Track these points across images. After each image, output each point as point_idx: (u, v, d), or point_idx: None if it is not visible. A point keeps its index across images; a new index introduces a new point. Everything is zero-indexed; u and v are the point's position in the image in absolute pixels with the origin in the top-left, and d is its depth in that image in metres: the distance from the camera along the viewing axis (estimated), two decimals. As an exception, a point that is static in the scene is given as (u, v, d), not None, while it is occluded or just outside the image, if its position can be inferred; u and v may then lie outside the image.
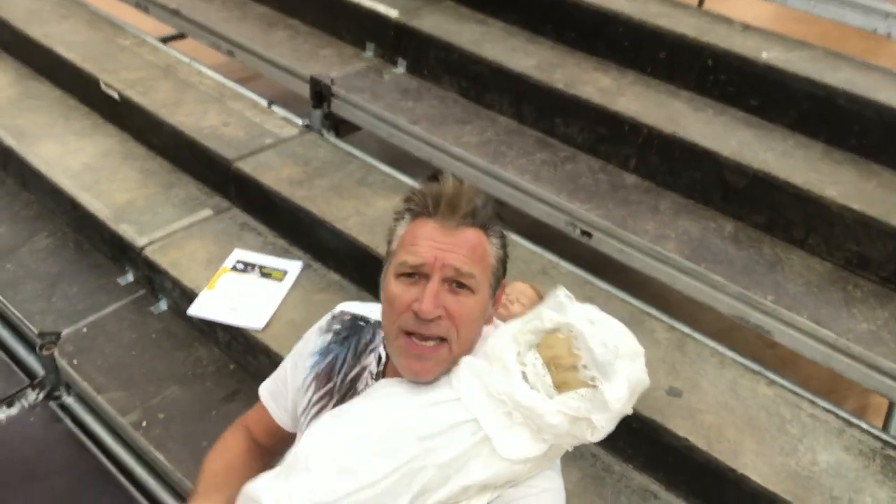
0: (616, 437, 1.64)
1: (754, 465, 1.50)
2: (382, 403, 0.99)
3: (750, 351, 1.83)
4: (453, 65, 2.44)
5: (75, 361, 1.96)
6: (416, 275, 0.94)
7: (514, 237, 2.08)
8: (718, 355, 1.78)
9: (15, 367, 2.09)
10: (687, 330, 1.84)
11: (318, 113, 2.47)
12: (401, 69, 2.56)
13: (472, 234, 0.96)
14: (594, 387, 0.89)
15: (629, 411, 0.92)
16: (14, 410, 1.99)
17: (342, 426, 0.99)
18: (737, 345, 1.82)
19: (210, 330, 1.99)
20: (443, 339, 0.95)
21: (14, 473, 1.84)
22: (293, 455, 1.00)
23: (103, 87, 2.60)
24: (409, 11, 2.62)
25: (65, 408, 2.02)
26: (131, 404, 1.86)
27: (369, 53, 2.66)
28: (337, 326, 1.16)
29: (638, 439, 1.62)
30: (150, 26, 3.11)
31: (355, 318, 1.16)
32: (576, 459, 1.68)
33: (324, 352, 1.13)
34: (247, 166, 2.25)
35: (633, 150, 2.14)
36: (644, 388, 0.94)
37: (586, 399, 0.89)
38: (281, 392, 1.18)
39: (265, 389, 1.22)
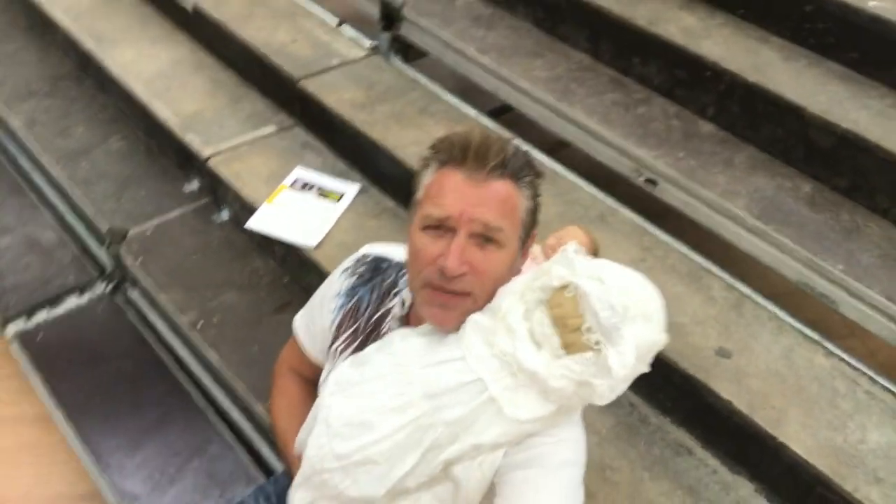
0: (656, 390, 1.64)
1: (797, 436, 1.45)
2: (397, 358, 0.99)
3: (813, 317, 1.75)
4: (530, -7, 2.34)
5: (140, 260, 2.05)
6: (441, 227, 0.92)
7: (573, 179, 2.05)
8: (777, 320, 1.70)
9: (86, 260, 2.20)
10: (747, 290, 1.76)
11: (386, 36, 2.42)
12: (476, -6, 2.47)
13: (501, 186, 0.92)
14: (599, 351, 0.86)
15: (645, 369, 0.90)
16: (84, 299, 2.12)
17: (358, 380, 1.01)
18: (800, 311, 1.74)
19: (267, 243, 2.04)
20: (467, 293, 0.94)
21: (82, 353, 1.99)
22: (316, 405, 1.04)
23: (178, -4, 2.62)
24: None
25: (129, 301, 2.13)
26: (189, 305, 1.94)
27: (445, -24, 2.57)
28: (361, 269, 1.17)
29: (679, 394, 1.59)
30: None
31: (378, 260, 1.17)
32: (612, 406, 1.66)
33: (349, 293, 1.15)
34: (311, 86, 2.24)
35: (713, 98, 2.02)
36: (660, 348, 0.91)
37: (590, 363, 0.86)
38: (310, 330, 1.21)
39: (299, 325, 1.25)
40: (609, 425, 1.60)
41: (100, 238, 2.18)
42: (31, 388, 1.93)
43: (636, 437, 1.60)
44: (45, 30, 2.82)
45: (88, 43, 2.55)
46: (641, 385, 1.61)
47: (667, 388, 1.61)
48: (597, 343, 0.86)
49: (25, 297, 2.06)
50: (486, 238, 0.92)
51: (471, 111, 2.21)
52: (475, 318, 0.95)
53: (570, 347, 0.88)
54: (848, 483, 1.38)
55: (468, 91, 2.32)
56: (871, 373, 1.61)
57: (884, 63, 1.97)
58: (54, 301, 2.07)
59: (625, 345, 0.86)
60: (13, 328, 2.00)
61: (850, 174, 1.83)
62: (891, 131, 1.80)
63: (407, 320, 1.10)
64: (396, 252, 1.17)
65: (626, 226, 1.91)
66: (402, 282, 1.13)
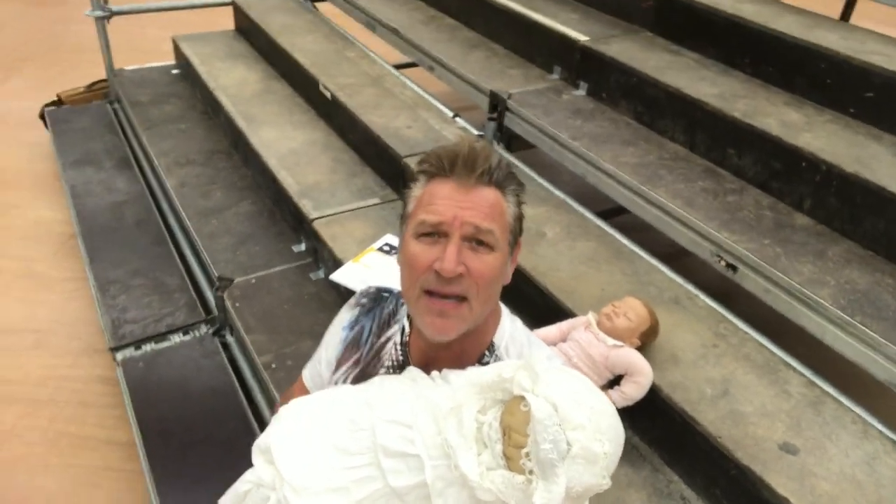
0: (710, 483, 1.49)
1: None
2: (367, 399, 1.00)
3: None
4: (632, 89, 2.41)
5: (237, 304, 2.25)
6: (435, 234, 0.95)
7: (650, 260, 2.00)
8: (862, 423, 1.51)
9: (198, 305, 2.46)
10: (830, 389, 1.60)
11: (492, 125, 2.59)
12: (581, 91, 2.59)
13: (488, 192, 0.96)
14: (529, 481, 0.83)
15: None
16: (188, 338, 2.34)
17: (323, 410, 1.04)
18: (892, 419, 1.54)
19: (350, 299, 2.16)
20: (463, 298, 0.96)
21: (173, 387, 2.17)
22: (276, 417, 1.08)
23: (321, 87, 2.99)
24: (600, 38, 2.65)
25: (225, 344, 2.33)
26: (269, 347, 2.08)
27: (555, 76, 2.73)
28: (364, 300, 1.20)
29: (732, 487, 1.44)
30: (380, 48, 3.50)
31: (379, 290, 1.20)
32: (662, 499, 1.54)
33: (352, 324, 1.19)
34: (414, 161, 2.42)
35: (810, 190, 1.93)
36: (598, 491, 0.85)
37: (517, 488, 0.83)
38: (317, 368, 1.23)
39: (307, 371, 1.27)
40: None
41: (211, 284, 2.44)
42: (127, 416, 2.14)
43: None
44: (214, 113, 3.32)
45: (241, 123, 2.96)
46: (696, 478, 1.50)
47: (721, 480, 1.47)
48: (530, 472, 0.83)
49: (139, 330, 2.32)
50: (478, 241, 0.95)
51: (558, 193, 2.27)
52: (428, 396, 0.95)
53: (509, 462, 0.85)
54: None
55: (561, 178, 2.39)
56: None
57: None
58: (161, 337, 2.32)
59: (556, 485, 0.82)
60: (120, 356, 2.25)
61: (963, 274, 1.64)
62: None
63: (407, 347, 1.12)
64: (397, 284, 1.22)
65: (701, 310, 1.82)
66: (402, 310, 1.15)
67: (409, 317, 1.14)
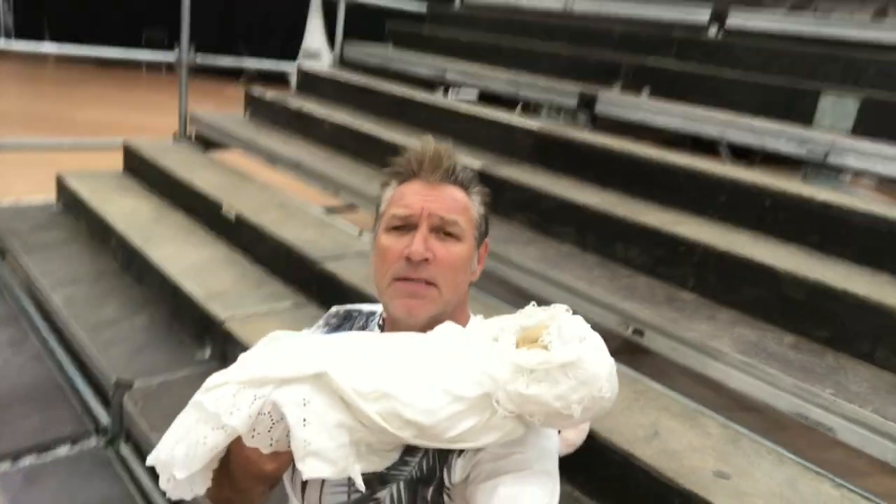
0: None
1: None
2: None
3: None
4: (525, 202, 2.69)
5: (139, 406, 2.07)
6: (405, 227, 1.03)
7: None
8: (776, 453, 1.64)
9: (87, 416, 2.23)
10: (743, 430, 1.74)
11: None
12: (479, 207, 2.84)
13: (453, 190, 1.06)
14: (549, 351, 0.87)
15: (576, 413, 0.86)
16: (75, 450, 2.09)
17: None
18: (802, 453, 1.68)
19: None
20: (431, 284, 1.02)
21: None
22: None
23: (224, 208, 3.03)
24: (490, 165, 2.97)
25: (120, 456, 2.10)
26: (177, 445, 1.91)
27: (454, 196, 2.98)
28: (333, 320, 1.23)
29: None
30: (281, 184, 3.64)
31: (349, 311, 1.24)
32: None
33: None
34: (330, 265, 2.48)
35: (691, 270, 2.20)
36: (601, 408, 0.89)
37: (535, 356, 0.87)
38: None
39: None
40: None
41: (103, 394, 2.24)
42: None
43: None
44: (103, 240, 3.21)
45: (137, 241, 2.90)
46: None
47: (665, 510, 1.51)
48: (549, 346, 0.87)
49: (19, 440, 2.05)
50: (445, 232, 1.03)
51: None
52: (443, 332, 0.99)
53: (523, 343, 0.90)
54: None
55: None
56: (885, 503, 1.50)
57: (842, 243, 2.18)
58: (44, 448, 2.06)
59: (573, 347, 0.87)
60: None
61: (828, 324, 1.91)
62: (856, 283, 1.93)
63: None
64: (365, 306, 1.25)
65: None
66: (372, 324, 1.18)
67: (380, 326, 1.17)
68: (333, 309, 1.27)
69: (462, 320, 1.14)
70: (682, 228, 2.30)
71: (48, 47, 5.23)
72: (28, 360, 2.53)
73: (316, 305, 2.50)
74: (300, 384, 0.89)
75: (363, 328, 1.20)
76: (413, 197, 1.04)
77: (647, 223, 2.33)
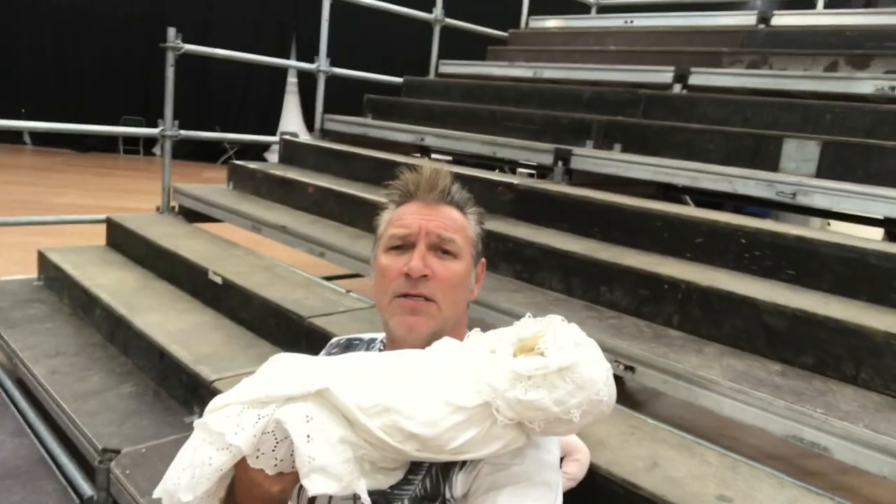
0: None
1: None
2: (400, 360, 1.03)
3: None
4: (509, 252, 2.75)
5: (128, 472, 2.02)
6: (403, 246, 1.08)
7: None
8: (776, 478, 1.65)
9: (69, 489, 2.16)
10: (741, 458, 1.74)
11: (387, 291, 2.76)
12: (464, 261, 2.89)
13: (449, 210, 1.12)
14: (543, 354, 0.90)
15: (576, 418, 0.89)
16: (59, 523, 2.02)
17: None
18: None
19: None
20: (431, 300, 1.06)
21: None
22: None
23: (210, 274, 3.05)
24: (475, 219, 3.04)
25: (105, 528, 2.03)
26: (169, 508, 1.86)
27: (438, 252, 3.03)
28: (334, 350, 1.27)
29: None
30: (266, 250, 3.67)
31: (350, 340, 1.29)
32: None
33: None
34: (318, 321, 2.49)
35: (675, 307, 2.25)
36: (600, 412, 0.92)
37: (532, 363, 0.90)
38: None
39: None
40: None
41: (88, 465, 2.18)
42: None
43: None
44: (85, 310, 3.18)
45: (122, 310, 2.88)
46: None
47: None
48: (546, 349, 0.90)
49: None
50: (442, 250, 1.08)
51: (460, 338, 2.41)
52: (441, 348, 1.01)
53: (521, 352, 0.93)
54: None
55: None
56: (888, 519, 1.51)
57: (817, 274, 2.25)
58: (29, 522, 1.99)
59: (569, 352, 0.90)
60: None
61: (812, 350, 1.96)
62: (834, 309, 1.99)
63: None
64: (366, 335, 1.29)
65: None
66: (372, 349, 1.22)
67: (380, 351, 1.20)
68: (334, 339, 1.29)
69: (460, 338, 1.17)
70: (664, 269, 2.36)
71: (31, 124, 5.27)
72: (8, 436, 2.46)
73: (306, 363, 2.49)
74: (303, 401, 0.90)
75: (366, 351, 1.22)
76: (411, 217, 1.09)
77: (629, 265, 2.39)
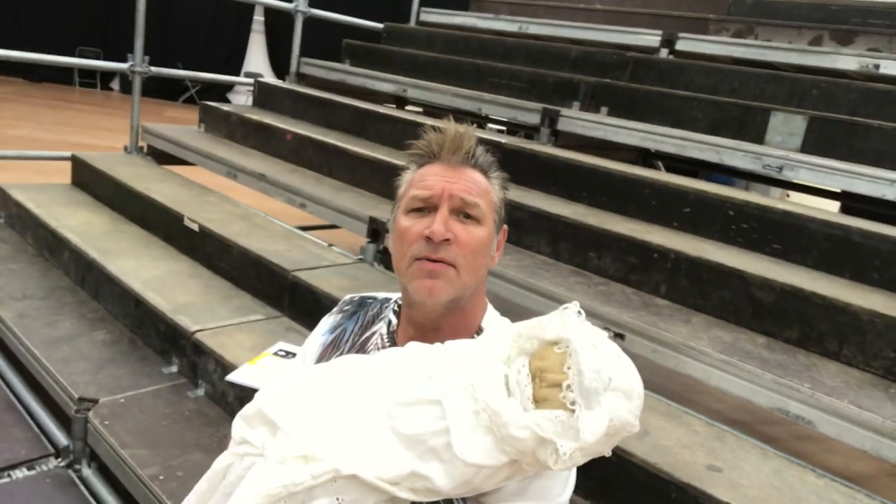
0: None
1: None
2: (369, 363, 0.98)
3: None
4: (497, 213, 2.72)
5: (107, 422, 1.97)
6: (425, 208, 1.04)
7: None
8: (760, 448, 1.70)
9: (43, 437, 2.10)
10: (726, 428, 1.79)
11: (372, 247, 2.72)
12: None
13: (473, 173, 1.07)
14: (572, 411, 0.82)
15: (607, 452, 0.85)
16: (32, 472, 1.97)
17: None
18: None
19: (243, 405, 2.00)
20: (451, 265, 1.02)
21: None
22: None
23: (186, 221, 2.94)
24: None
25: (83, 479, 1.98)
26: (152, 461, 1.83)
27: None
28: (347, 307, 1.24)
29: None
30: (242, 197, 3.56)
31: (363, 298, 1.25)
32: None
33: (332, 328, 1.20)
34: (303, 275, 2.44)
35: (663, 276, 2.27)
36: (629, 433, 0.86)
37: (558, 422, 0.82)
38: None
39: None
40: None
41: (63, 414, 2.11)
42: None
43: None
44: (53, 254, 3.05)
45: (93, 254, 2.77)
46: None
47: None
48: (572, 403, 0.82)
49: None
50: (465, 214, 1.04)
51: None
52: (454, 343, 0.95)
53: (541, 403, 0.84)
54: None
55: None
56: (865, 491, 1.57)
57: (803, 249, 2.29)
58: None
59: (600, 412, 0.82)
60: (-50, 492, 1.82)
61: (797, 325, 2.00)
62: (820, 285, 2.03)
63: (395, 335, 1.13)
64: (380, 294, 1.25)
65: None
66: (387, 310, 1.18)
67: (395, 312, 1.16)
68: (347, 297, 1.26)
69: (479, 308, 1.14)
70: (653, 237, 2.37)
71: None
72: (-27, 381, 2.37)
73: (289, 317, 2.44)
74: (323, 491, 0.87)
75: (377, 315, 1.19)
76: (433, 178, 1.05)
77: (619, 232, 2.39)
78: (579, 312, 0.89)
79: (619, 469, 1.60)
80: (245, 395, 1.95)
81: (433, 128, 1.12)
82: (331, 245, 2.89)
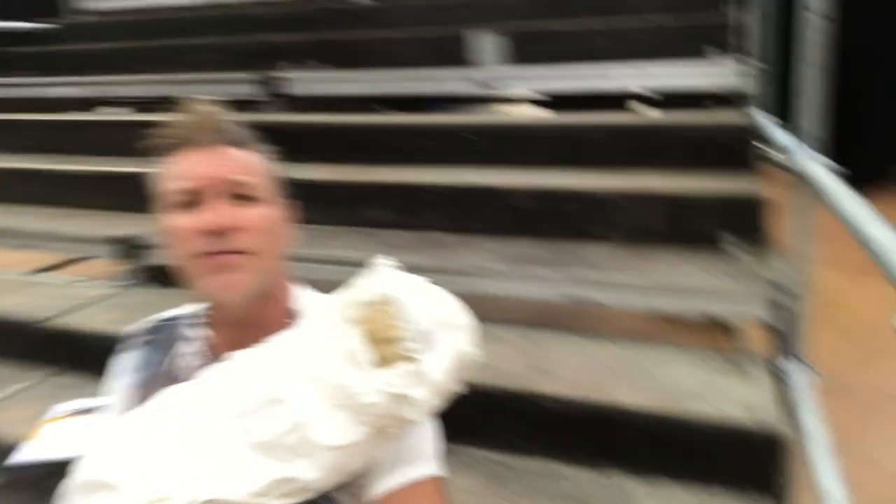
0: (504, 428, 1.69)
1: (627, 396, 1.62)
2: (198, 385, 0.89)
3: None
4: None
5: None
6: (192, 202, 0.92)
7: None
8: (566, 339, 1.93)
9: None
10: (534, 335, 1.98)
11: (132, 268, 2.45)
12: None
13: (232, 151, 0.96)
14: (416, 359, 0.83)
15: (459, 388, 0.86)
16: None
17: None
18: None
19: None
20: (246, 253, 0.92)
21: None
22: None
23: None
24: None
25: None
26: None
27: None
28: (137, 338, 1.09)
29: (515, 416, 1.69)
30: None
31: (155, 323, 1.10)
32: (468, 468, 1.66)
33: (133, 367, 1.05)
34: (60, 322, 2.14)
35: (435, 213, 2.39)
36: (472, 362, 0.88)
37: (406, 374, 0.82)
38: None
39: None
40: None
41: None
42: None
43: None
44: None
45: None
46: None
47: (497, 413, 1.69)
48: (413, 351, 0.83)
49: None
50: (237, 196, 0.93)
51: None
52: (280, 340, 0.90)
53: (386, 363, 0.84)
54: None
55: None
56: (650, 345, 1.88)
57: (538, 153, 2.56)
58: None
59: (441, 350, 0.84)
60: None
61: (559, 222, 2.25)
62: (568, 180, 2.32)
63: (212, 353, 1.00)
64: (171, 311, 1.10)
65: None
66: (188, 328, 1.05)
67: (202, 324, 1.04)
68: (133, 327, 1.10)
69: (284, 293, 1.04)
70: (409, 176, 2.48)
71: None
72: None
73: (60, 372, 2.13)
74: None
75: (179, 335, 1.05)
76: (190, 167, 0.93)
77: (379, 180, 2.45)
78: (389, 266, 0.90)
79: (464, 401, 1.71)
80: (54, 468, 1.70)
81: (171, 112, 0.97)
82: (77, 280, 2.55)
